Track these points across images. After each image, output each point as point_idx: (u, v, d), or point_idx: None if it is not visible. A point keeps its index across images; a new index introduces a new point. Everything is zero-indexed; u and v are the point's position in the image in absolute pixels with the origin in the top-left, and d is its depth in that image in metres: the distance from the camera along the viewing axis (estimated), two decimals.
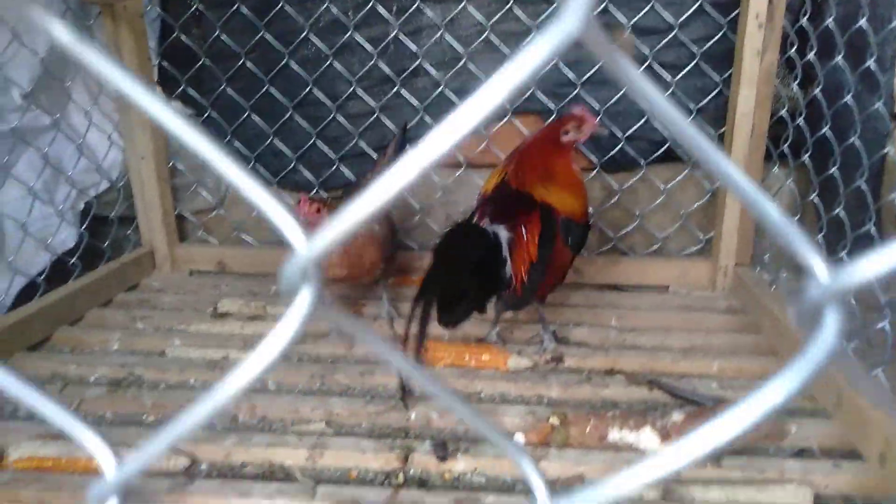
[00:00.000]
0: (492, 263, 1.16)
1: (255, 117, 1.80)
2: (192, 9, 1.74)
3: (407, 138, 1.62)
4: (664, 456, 0.28)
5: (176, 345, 1.40)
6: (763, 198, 0.27)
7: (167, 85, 1.85)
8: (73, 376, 1.29)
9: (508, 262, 1.17)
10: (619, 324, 1.50)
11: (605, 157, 1.71)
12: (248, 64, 1.76)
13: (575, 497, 0.29)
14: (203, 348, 1.38)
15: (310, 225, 1.25)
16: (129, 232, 1.86)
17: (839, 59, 1.29)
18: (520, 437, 1.09)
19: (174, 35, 1.77)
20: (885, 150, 1.27)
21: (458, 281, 1.08)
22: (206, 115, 1.82)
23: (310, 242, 0.27)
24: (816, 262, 0.26)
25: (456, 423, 1.12)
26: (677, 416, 1.03)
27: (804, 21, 1.45)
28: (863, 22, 1.22)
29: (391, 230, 1.46)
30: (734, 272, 1.61)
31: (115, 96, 1.75)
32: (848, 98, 1.27)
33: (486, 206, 1.25)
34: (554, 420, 1.08)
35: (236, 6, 1.72)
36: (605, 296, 1.65)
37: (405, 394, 1.16)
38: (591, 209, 1.34)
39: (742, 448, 1.02)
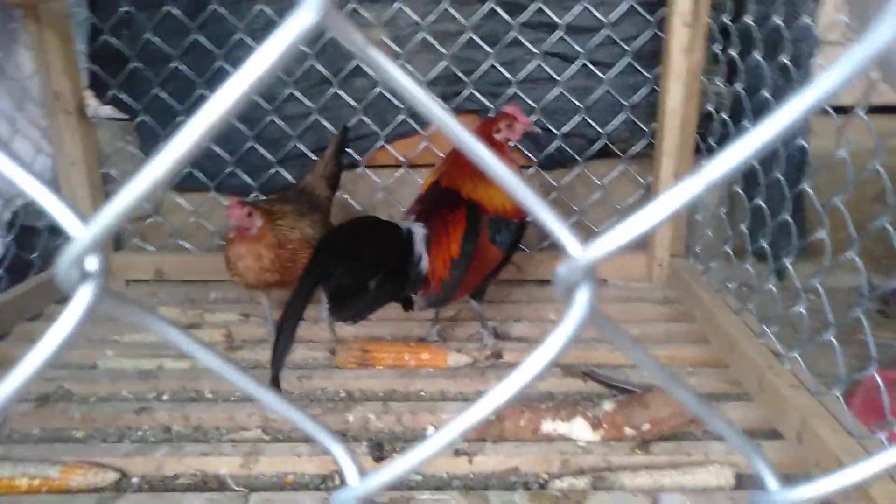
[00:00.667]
0: (396, 258, 1.16)
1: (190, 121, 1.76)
2: (122, 10, 1.70)
3: (347, 139, 1.61)
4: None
5: (108, 356, 1.36)
6: (518, 182, 0.29)
7: (99, 88, 1.80)
8: None
9: (424, 258, 1.18)
10: (559, 317, 1.51)
11: (543, 155, 1.74)
12: (181, 66, 1.72)
13: (383, 471, 0.31)
14: (136, 358, 1.35)
15: (241, 229, 1.23)
16: (59, 242, 1.80)
17: (758, 55, 1.34)
18: None
19: (103, 37, 1.73)
20: (803, 143, 1.32)
21: (348, 274, 1.07)
22: (139, 118, 1.78)
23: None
24: (568, 240, 0.27)
25: (394, 423, 1.13)
26: (608, 406, 1.05)
27: (727, 19, 1.49)
28: (777, 19, 1.27)
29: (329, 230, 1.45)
30: (669, 263, 1.66)
31: (41, 101, 1.70)
32: (766, 93, 1.31)
33: (415, 205, 1.26)
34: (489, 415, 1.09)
35: (167, 7, 1.68)
36: (545, 291, 1.67)
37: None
38: None
39: (671, 434, 1.05)
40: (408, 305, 1.24)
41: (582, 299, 0.28)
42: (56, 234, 1.80)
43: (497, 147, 1.28)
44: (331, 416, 1.14)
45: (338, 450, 0.34)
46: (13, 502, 0.94)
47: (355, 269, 1.08)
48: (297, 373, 1.28)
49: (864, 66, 0.23)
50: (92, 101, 1.80)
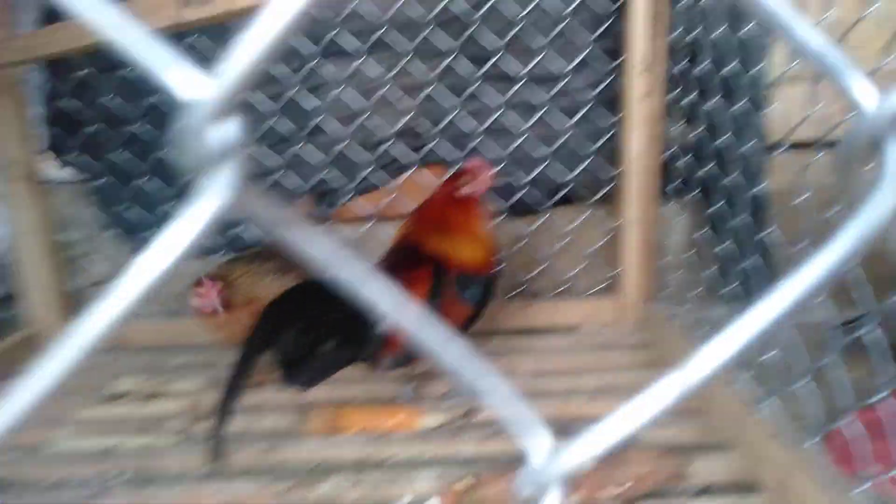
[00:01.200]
0: (353, 320, 1.12)
1: (151, 181, 1.73)
2: (79, 74, 1.68)
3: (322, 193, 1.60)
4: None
5: (64, 435, 1.29)
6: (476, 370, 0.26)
7: (58, 151, 1.76)
8: None
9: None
10: (533, 368, 1.50)
11: (509, 203, 1.74)
12: (142, 127, 1.70)
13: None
14: (93, 437, 1.28)
15: (211, 310, 1.21)
16: (13, 312, 1.74)
17: (715, 100, 1.36)
18: (435, 502, 1.06)
19: (62, 100, 1.70)
20: (762, 185, 1.34)
21: (298, 338, 1.04)
22: (97, 181, 1.74)
23: None
24: (534, 447, 0.25)
25: (370, 492, 1.08)
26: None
27: (683, 66, 1.52)
28: (733, 65, 1.30)
29: None
30: (639, 308, 1.65)
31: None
32: (726, 137, 1.34)
33: (378, 264, 1.24)
34: (468, 480, 1.05)
35: (123, 72, 1.66)
36: (517, 341, 1.65)
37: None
38: (500, 258, 1.34)
39: (650, 492, 1.02)
40: (374, 365, 1.21)
41: None
42: (7, 305, 1.74)
43: (467, 203, 1.27)
44: (301, 488, 1.09)
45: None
46: None
47: (307, 333, 1.04)
48: (264, 443, 1.23)
49: (868, 237, 0.22)
50: (51, 164, 1.76)
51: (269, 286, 1.26)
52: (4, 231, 1.71)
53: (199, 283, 1.23)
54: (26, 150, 1.59)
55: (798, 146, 1.15)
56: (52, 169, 1.76)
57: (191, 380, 1.50)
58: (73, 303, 1.79)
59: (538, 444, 0.28)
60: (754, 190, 1.31)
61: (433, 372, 1.48)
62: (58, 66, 1.70)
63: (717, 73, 1.36)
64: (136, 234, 1.77)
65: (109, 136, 1.71)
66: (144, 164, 1.71)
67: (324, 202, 1.74)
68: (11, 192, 1.62)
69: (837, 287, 1.01)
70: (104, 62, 1.67)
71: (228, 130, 0.19)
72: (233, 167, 0.20)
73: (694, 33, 1.48)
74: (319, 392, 1.41)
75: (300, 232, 0.25)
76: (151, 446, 1.25)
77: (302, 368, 1.06)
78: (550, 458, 0.27)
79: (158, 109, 1.68)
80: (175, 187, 1.73)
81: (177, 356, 1.65)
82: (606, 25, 1.62)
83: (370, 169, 1.72)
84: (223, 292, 1.23)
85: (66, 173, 1.80)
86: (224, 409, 0.95)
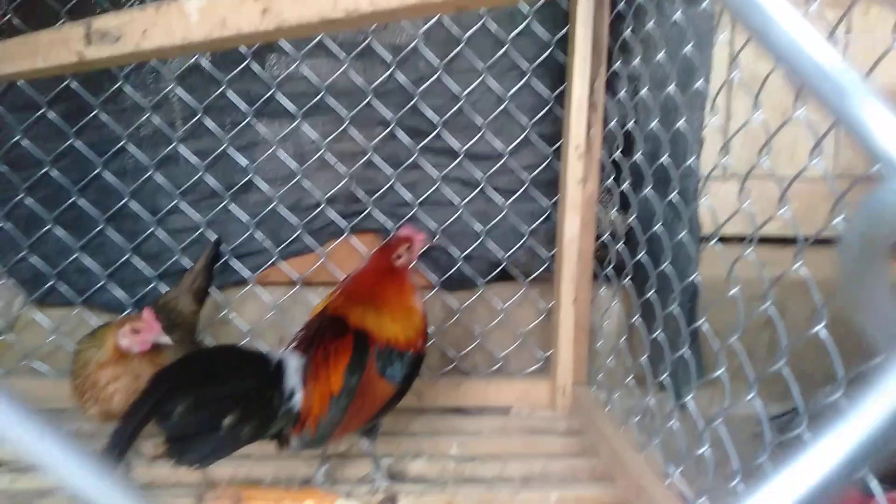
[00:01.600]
0: (258, 393, 1.03)
1: (58, 231, 1.60)
2: None
3: (219, 253, 1.52)
4: None
5: None
6: None
7: None
8: None
9: (298, 392, 1.06)
10: (460, 451, 1.42)
11: (444, 277, 1.70)
12: (54, 173, 1.58)
13: None
14: None
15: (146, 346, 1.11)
16: None
17: (648, 190, 1.39)
18: None
19: None
20: (694, 276, 1.35)
21: (192, 410, 0.93)
22: None
23: None
24: None
25: None
26: None
27: (617, 154, 1.56)
28: (664, 158, 1.33)
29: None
30: (572, 391, 1.61)
31: None
32: (658, 227, 1.35)
33: (298, 333, 1.16)
34: None
35: (43, 110, 1.56)
36: (447, 420, 1.57)
37: None
38: (428, 335, 1.27)
39: None
40: (282, 443, 1.10)
41: None
42: None
43: (398, 275, 1.22)
44: None
45: None
46: None
47: (201, 405, 0.93)
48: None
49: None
50: None
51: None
52: None
53: (132, 318, 1.14)
54: None
55: (729, 240, 1.17)
56: None
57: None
58: None
59: None
60: (686, 280, 1.32)
61: (350, 453, 1.37)
62: None
63: (651, 164, 1.39)
64: (33, 287, 1.61)
65: (16, 180, 1.58)
66: (52, 212, 1.58)
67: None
68: None
69: (766, 380, 1.01)
70: (18, 99, 1.56)
71: None
72: None
73: (630, 123, 1.53)
74: (223, 469, 1.28)
75: None
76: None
77: (194, 444, 0.95)
78: None
79: (77, 153, 1.58)
80: (83, 239, 1.60)
81: (69, 421, 1.47)
82: (545, 110, 1.66)
83: (298, 231, 1.65)
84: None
85: None
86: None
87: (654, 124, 1.38)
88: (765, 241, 1.06)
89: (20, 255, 1.60)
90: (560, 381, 1.62)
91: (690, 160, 1.36)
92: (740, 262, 1.06)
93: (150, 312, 1.15)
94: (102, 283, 1.62)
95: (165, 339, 1.13)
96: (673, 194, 1.30)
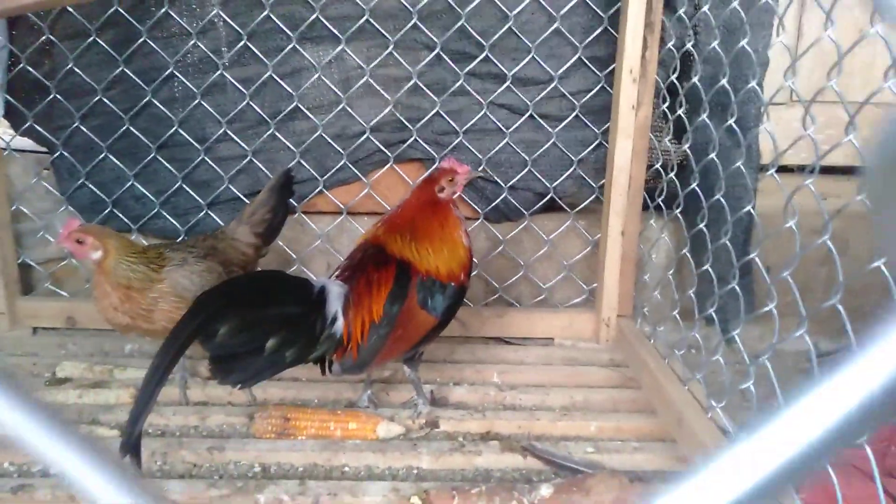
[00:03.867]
0: (301, 318, 1.05)
1: (113, 158, 1.64)
2: (42, 39, 1.58)
3: (290, 184, 1.47)
4: None
5: None
6: None
7: (14, 119, 1.66)
8: None
9: (340, 319, 1.08)
10: (502, 380, 1.44)
11: (489, 207, 1.68)
12: (105, 101, 1.61)
13: None
14: None
15: (74, 255, 1.14)
16: None
17: (705, 116, 1.31)
18: None
19: (21, 66, 1.60)
20: (749, 207, 1.29)
21: (235, 332, 0.95)
22: (56, 153, 1.64)
23: None
24: None
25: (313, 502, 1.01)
26: (546, 490, 0.97)
27: (674, 77, 1.47)
28: (724, 81, 1.25)
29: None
30: (616, 324, 1.60)
31: None
32: (714, 155, 1.28)
33: (343, 262, 1.17)
34: (415, 500, 0.98)
35: (92, 38, 1.57)
36: (490, 349, 1.59)
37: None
38: (472, 268, 1.26)
39: None
40: (325, 367, 1.13)
41: None
42: None
43: (441, 208, 1.20)
44: (239, 496, 1.02)
45: None
46: None
47: (245, 327, 0.96)
48: (208, 442, 1.15)
49: None
50: (6, 132, 1.67)
51: (146, 273, 1.17)
52: None
53: (66, 225, 1.15)
54: None
55: (788, 170, 1.10)
56: (7, 138, 1.66)
57: (139, 369, 1.41)
58: (24, 278, 1.70)
59: None
60: (740, 211, 1.26)
61: (394, 379, 1.41)
62: (20, 28, 1.60)
63: (710, 87, 1.31)
64: (91, 214, 1.67)
65: (71, 107, 1.62)
66: (108, 138, 1.62)
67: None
68: None
69: (819, 316, 0.96)
70: (69, 27, 1.58)
71: None
72: None
73: (688, 44, 1.43)
74: (272, 391, 1.34)
75: None
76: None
77: (239, 365, 0.98)
78: None
79: (127, 80, 1.59)
80: (136, 167, 1.64)
81: (129, 342, 1.55)
82: (599, 30, 1.57)
83: (343, 161, 1.65)
84: (86, 244, 1.13)
85: (22, 142, 1.70)
86: (140, 405, 0.86)
87: (714, 44, 1.28)
88: (827, 170, 0.99)
89: (78, 182, 1.65)
90: (604, 313, 1.60)
91: (753, 83, 1.27)
92: (799, 192, 1.00)
93: (69, 224, 1.14)
94: (156, 210, 1.67)
95: (85, 255, 1.13)
96: (731, 120, 1.22)
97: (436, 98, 1.61)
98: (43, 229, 1.69)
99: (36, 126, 1.64)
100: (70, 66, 1.59)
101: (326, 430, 1.19)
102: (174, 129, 1.62)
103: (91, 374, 1.39)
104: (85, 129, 1.62)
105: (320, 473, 1.11)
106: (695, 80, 1.36)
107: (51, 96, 1.61)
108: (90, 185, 1.65)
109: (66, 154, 1.65)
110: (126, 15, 1.56)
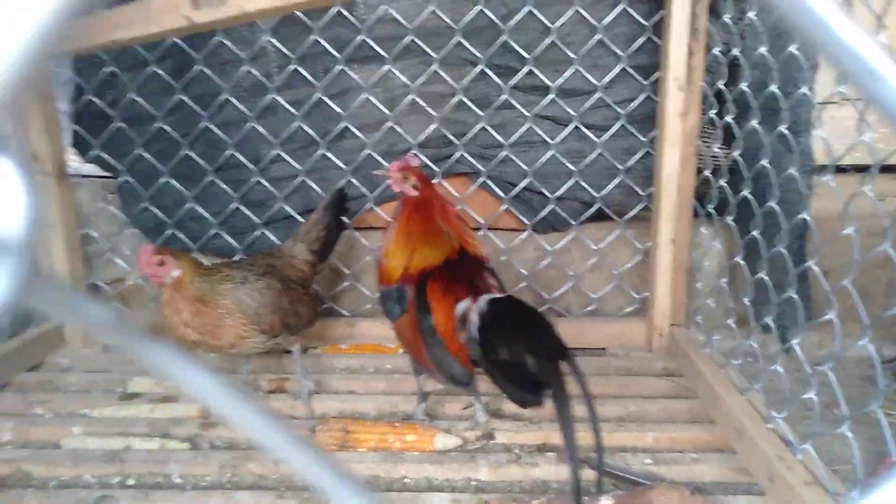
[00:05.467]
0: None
1: (174, 182, 1.72)
2: (106, 71, 1.67)
3: (344, 202, 1.51)
4: None
5: (74, 433, 1.28)
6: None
7: (81, 147, 1.76)
8: None
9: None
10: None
11: (536, 219, 1.69)
12: (165, 127, 1.69)
13: None
14: (103, 437, 1.26)
15: (153, 277, 1.18)
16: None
17: (755, 122, 1.30)
18: None
19: (87, 97, 1.69)
20: (804, 214, 1.27)
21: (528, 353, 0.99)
22: (121, 178, 1.73)
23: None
24: None
25: None
26: (606, 502, 0.97)
27: (721, 84, 1.46)
28: (773, 87, 1.24)
29: (290, 299, 1.32)
30: (669, 332, 1.59)
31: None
32: (765, 161, 1.27)
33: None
34: None
35: (151, 68, 1.65)
36: None
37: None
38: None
39: None
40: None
41: None
42: None
43: (424, 202, 1.26)
44: None
45: None
46: None
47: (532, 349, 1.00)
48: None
49: None
50: (74, 160, 1.76)
51: (215, 291, 1.22)
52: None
53: (143, 250, 1.20)
54: (52, 144, 1.59)
55: (845, 171, 1.08)
56: (75, 165, 1.75)
57: None
58: (91, 297, 1.78)
59: None
60: (795, 217, 1.24)
61: (450, 390, 1.43)
62: (84, 62, 1.70)
63: (759, 93, 1.30)
64: (155, 235, 1.75)
65: (134, 134, 1.70)
66: (168, 163, 1.70)
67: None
68: (37, 183, 1.61)
69: (881, 321, 0.94)
70: (130, 59, 1.66)
71: None
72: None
73: (735, 50, 1.43)
74: (330, 404, 1.37)
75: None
76: (159, 451, 1.22)
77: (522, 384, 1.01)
78: None
79: (185, 106, 1.67)
80: (195, 189, 1.71)
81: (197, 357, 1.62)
82: (643, 40, 1.57)
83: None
84: (167, 265, 1.18)
85: (89, 169, 1.80)
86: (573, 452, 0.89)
87: (762, 49, 1.27)
88: (883, 169, 0.97)
89: (142, 205, 1.74)
90: (657, 322, 1.59)
91: (804, 89, 1.26)
92: (857, 195, 0.98)
93: (146, 248, 1.19)
94: (214, 230, 1.74)
95: (165, 274, 1.17)
96: (782, 126, 1.21)
97: (480, 112, 1.64)
98: (108, 251, 1.77)
99: (101, 153, 1.73)
100: (132, 95, 1.67)
101: (385, 443, 1.22)
102: (230, 151, 1.69)
103: (161, 388, 1.46)
104: (147, 155, 1.71)
105: (382, 485, 1.14)
106: (743, 86, 1.35)
107: (115, 125, 1.70)
108: (153, 208, 1.74)
109: (129, 179, 1.73)
110: (182, 44, 1.63)
